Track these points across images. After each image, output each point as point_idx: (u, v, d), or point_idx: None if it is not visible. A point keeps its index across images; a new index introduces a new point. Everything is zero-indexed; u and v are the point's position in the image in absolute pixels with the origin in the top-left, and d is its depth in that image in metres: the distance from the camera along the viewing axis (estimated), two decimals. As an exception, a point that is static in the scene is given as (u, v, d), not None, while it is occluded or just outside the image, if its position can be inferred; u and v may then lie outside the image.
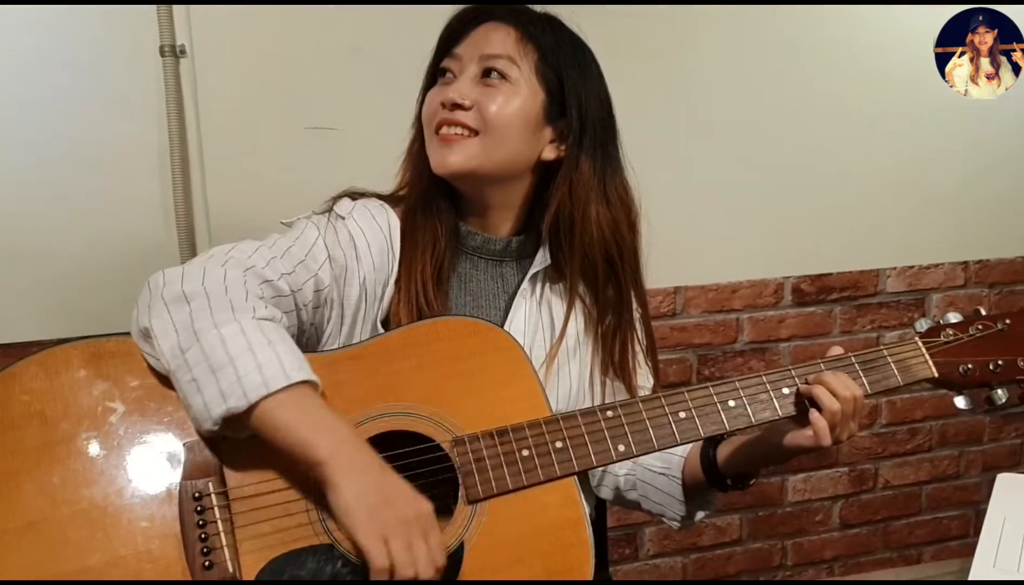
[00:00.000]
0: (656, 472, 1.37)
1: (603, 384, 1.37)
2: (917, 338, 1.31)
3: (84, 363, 1.05)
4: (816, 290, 2.58)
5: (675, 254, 2.38)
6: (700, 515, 1.38)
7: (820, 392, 1.19)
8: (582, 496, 1.14)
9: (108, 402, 1.04)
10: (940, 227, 2.66)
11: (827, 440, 1.18)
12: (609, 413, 1.17)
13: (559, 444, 1.13)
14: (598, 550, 1.13)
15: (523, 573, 1.09)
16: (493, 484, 1.10)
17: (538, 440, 1.13)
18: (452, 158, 1.24)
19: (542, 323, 1.34)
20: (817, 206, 2.53)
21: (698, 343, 2.50)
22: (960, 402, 1.31)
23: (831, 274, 2.59)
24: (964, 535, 2.87)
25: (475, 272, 1.33)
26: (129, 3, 1.91)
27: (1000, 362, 1.28)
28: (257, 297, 1.10)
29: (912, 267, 2.67)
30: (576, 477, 1.14)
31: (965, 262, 2.71)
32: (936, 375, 1.29)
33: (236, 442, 1.04)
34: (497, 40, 1.27)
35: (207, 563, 1.00)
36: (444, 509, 1.10)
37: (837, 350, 1.27)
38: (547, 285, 1.36)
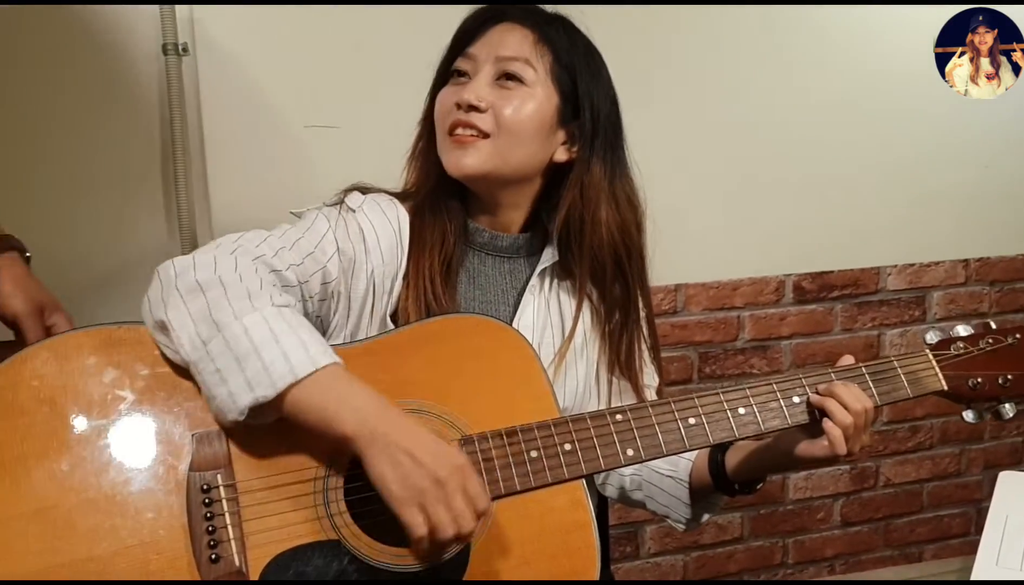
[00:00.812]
0: (663, 474, 1.37)
1: (609, 382, 1.37)
2: (927, 350, 1.30)
3: (95, 350, 1.04)
4: (817, 288, 2.59)
5: (676, 251, 2.37)
6: (705, 517, 1.38)
7: (832, 405, 1.18)
8: (590, 499, 1.13)
9: (118, 390, 1.03)
10: (941, 225, 2.66)
11: (843, 450, 1.18)
12: (619, 416, 1.16)
13: (568, 446, 1.13)
14: (601, 549, 1.12)
15: (528, 575, 1.09)
16: (501, 485, 1.10)
17: (547, 442, 1.12)
18: (466, 161, 1.24)
19: (551, 320, 1.34)
20: (818, 204, 2.53)
21: (699, 341, 2.51)
22: (968, 416, 1.32)
23: (832, 272, 2.60)
24: (965, 533, 2.87)
25: (483, 268, 1.33)
26: (132, 3, 1.91)
27: (1010, 377, 1.28)
28: (271, 284, 1.10)
29: (913, 265, 2.67)
30: (584, 479, 1.14)
31: (966, 260, 2.72)
32: (946, 388, 1.28)
33: (246, 435, 1.04)
34: (514, 42, 1.27)
35: (213, 556, 0.99)
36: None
37: (848, 359, 1.27)
38: (555, 281, 1.36)
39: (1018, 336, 1.31)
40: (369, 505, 1.09)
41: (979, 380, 1.29)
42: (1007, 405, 1.30)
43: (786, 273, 2.55)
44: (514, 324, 1.30)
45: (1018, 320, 2.74)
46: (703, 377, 2.52)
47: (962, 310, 2.74)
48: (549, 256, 1.34)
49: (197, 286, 1.05)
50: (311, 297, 1.20)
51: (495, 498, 1.09)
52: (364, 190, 1.31)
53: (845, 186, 2.54)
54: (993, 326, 1.33)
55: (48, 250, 1.93)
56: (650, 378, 1.42)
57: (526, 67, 1.26)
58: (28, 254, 1.33)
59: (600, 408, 1.20)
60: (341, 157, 2.05)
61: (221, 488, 1.02)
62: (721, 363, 2.54)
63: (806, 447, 1.22)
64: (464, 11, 1.32)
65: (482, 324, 1.18)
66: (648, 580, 2.59)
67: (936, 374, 1.28)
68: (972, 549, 1.30)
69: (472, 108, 1.24)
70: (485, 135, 1.24)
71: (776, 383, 1.22)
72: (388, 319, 1.25)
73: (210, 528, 1.00)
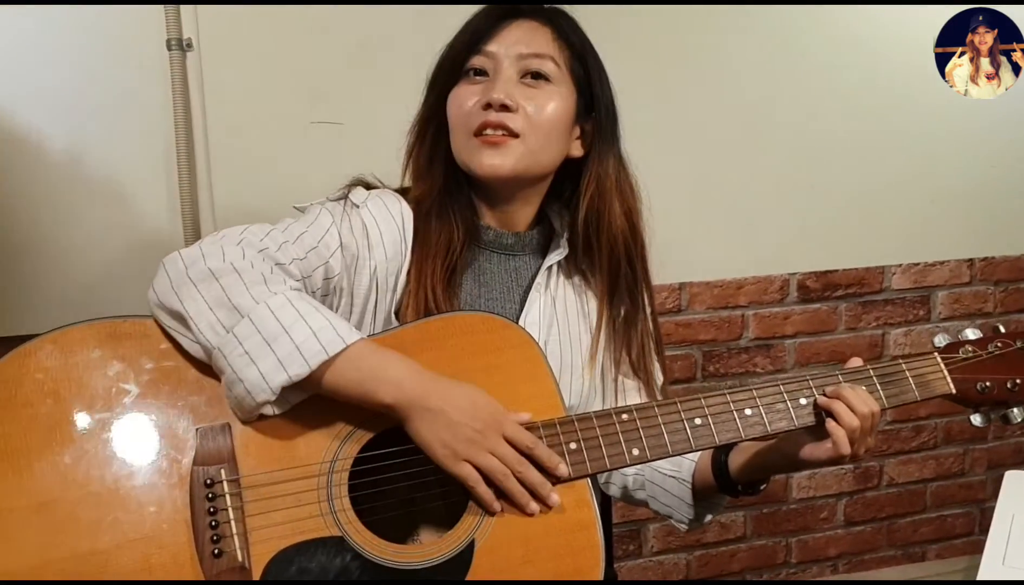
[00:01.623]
0: (666, 474, 1.36)
1: (615, 381, 1.37)
2: (936, 354, 1.30)
3: (99, 343, 1.04)
4: (821, 287, 2.58)
5: (680, 250, 2.38)
6: (708, 518, 1.38)
7: (839, 407, 1.17)
8: (594, 499, 1.13)
9: (122, 383, 1.03)
10: (945, 224, 2.66)
11: (847, 452, 1.17)
12: (624, 416, 1.16)
13: (573, 446, 1.12)
14: (604, 548, 1.12)
15: (532, 574, 1.08)
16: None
17: (552, 441, 1.11)
18: (500, 161, 1.23)
19: (556, 317, 1.34)
20: (823, 203, 2.53)
21: (703, 339, 2.50)
22: (976, 419, 1.31)
23: (836, 271, 2.59)
24: (969, 533, 2.86)
25: (489, 266, 1.32)
26: (136, 2, 1.91)
27: (1018, 381, 1.28)
28: (280, 272, 1.11)
29: (917, 264, 2.66)
30: (589, 478, 1.13)
31: (970, 259, 2.71)
32: (954, 392, 1.27)
33: (250, 430, 1.04)
34: (537, 39, 1.26)
35: (216, 551, 0.99)
36: (457, 506, 1.10)
37: (856, 362, 1.26)
38: (561, 278, 1.36)
39: None
40: (374, 501, 1.09)
41: (987, 384, 1.28)
42: (1015, 409, 1.29)
43: (790, 272, 2.55)
44: (520, 322, 1.29)
45: None
46: (707, 376, 2.52)
47: (967, 310, 2.73)
48: (557, 252, 1.34)
49: (210, 274, 1.05)
50: (314, 292, 1.19)
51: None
52: (368, 186, 1.30)
53: (850, 185, 2.54)
54: (1002, 330, 1.32)
55: (53, 243, 1.95)
56: (656, 375, 1.41)
57: (551, 64, 1.25)
58: None
59: (605, 407, 1.19)
60: (345, 153, 2.05)
61: (225, 483, 1.01)
62: (725, 362, 2.53)
63: (811, 449, 1.21)
64: (470, 8, 1.30)
65: (487, 321, 1.18)
66: (651, 580, 2.59)
67: (944, 377, 1.28)
68: (975, 549, 1.30)
69: (503, 107, 1.22)
70: (515, 135, 1.23)
71: (783, 384, 1.21)
72: (393, 316, 1.24)
73: (213, 523, 1.00)
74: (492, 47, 1.26)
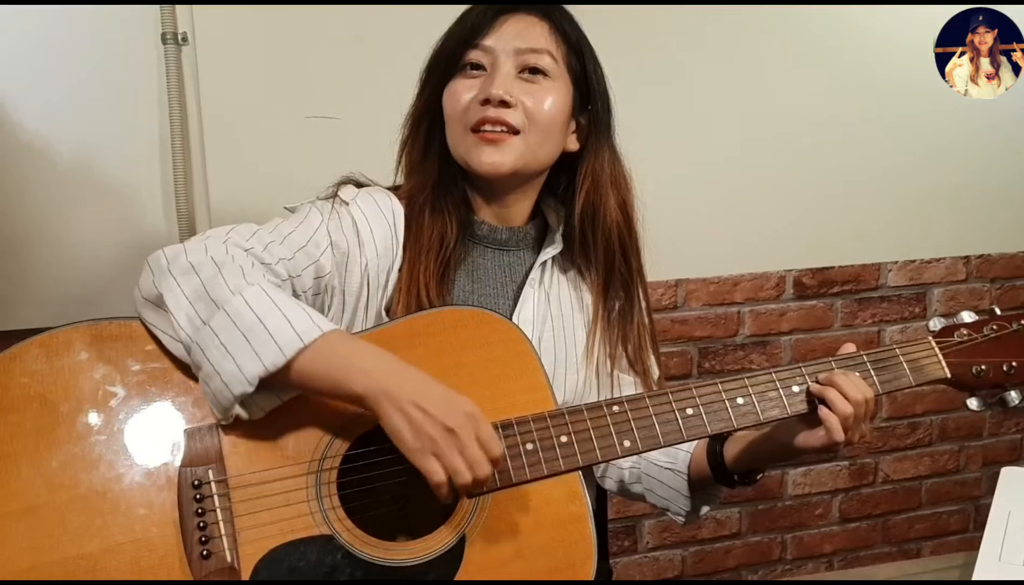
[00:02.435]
0: (662, 467, 1.36)
1: (610, 376, 1.36)
2: (931, 338, 1.29)
3: (86, 346, 1.04)
4: (818, 284, 2.58)
5: (676, 247, 2.38)
6: (705, 510, 1.38)
7: (832, 394, 1.17)
8: (586, 492, 1.13)
9: (109, 386, 1.03)
10: (942, 222, 2.66)
11: (840, 439, 1.16)
12: (615, 408, 1.15)
13: (564, 439, 1.12)
14: (598, 542, 1.12)
15: (523, 568, 1.08)
16: (496, 477, 1.09)
17: (543, 434, 1.11)
18: (500, 158, 1.23)
19: (551, 312, 1.33)
20: (819, 200, 2.52)
21: (699, 336, 2.50)
22: (972, 403, 1.29)
23: (833, 268, 2.59)
24: (963, 530, 2.86)
25: (482, 261, 1.32)
26: (132, 3, 1.91)
27: (1014, 364, 1.26)
28: (262, 270, 1.10)
29: (914, 261, 2.66)
30: (580, 471, 1.13)
31: (967, 257, 2.71)
32: (949, 376, 1.26)
33: (237, 429, 1.04)
34: (535, 34, 1.25)
35: (205, 552, 0.99)
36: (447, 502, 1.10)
37: (850, 348, 1.25)
38: (555, 274, 1.35)
39: (1023, 322, 1.28)
40: (363, 499, 1.09)
41: (983, 367, 1.26)
42: (1012, 392, 1.28)
43: (787, 269, 2.55)
44: (514, 318, 1.29)
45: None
46: (703, 372, 2.52)
47: (963, 307, 2.69)
48: (551, 248, 1.34)
49: (190, 267, 1.05)
50: (304, 292, 1.19)
51: (490, 491, 1.08)
52: (358, 184, 1.30)
53: (847, 182, 2.53)
54: (998, 312, 1.30)
55: (46, 240, 1.94)
56: (652, 369, 1.41)
57: (549, 59, 1.25)
58: None
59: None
60: (341, 148, 2.04)
61: (212, 484, 1.01)
62: (721, 359, 2.53)
63: (804, 437, 1.20)
64: (463, 4, 1.30)
65: (477, 316, 1.17)
66: (648, 580, 2.59)
67: (939, 362, 1.27)
68: (970, 546, 1.30)
69: (502, 103, 1.22)
70: (515, 131, 1.23)
71: (775, 373, 1.21)
72: (383, 313, 1.24)
73: (201, 524, 0.99)
74: (489, 41, 1.25)
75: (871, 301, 2.64)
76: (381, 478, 1.09)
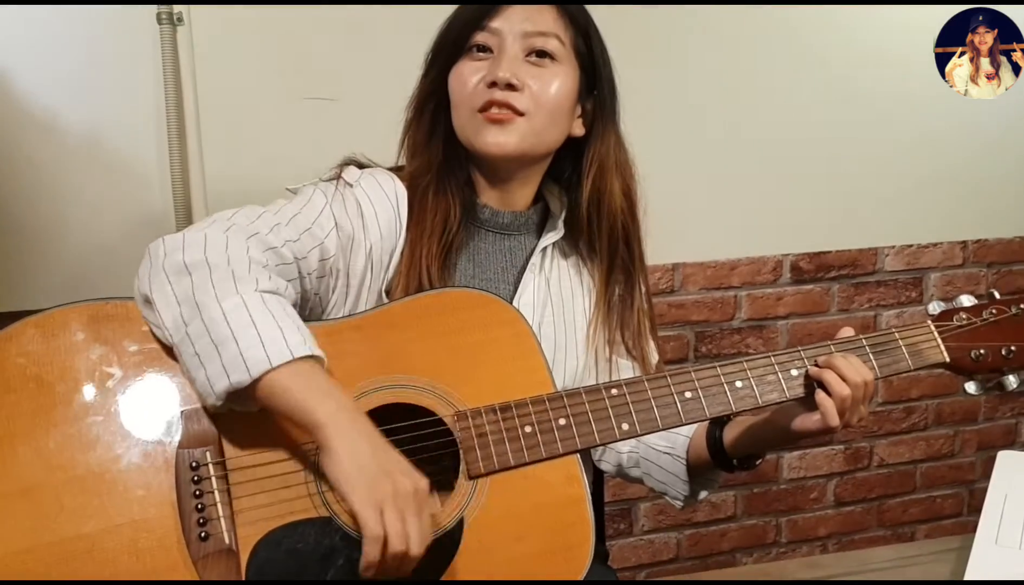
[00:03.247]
0: (660, 451, 1.36)
1: (609, 361, 1.36)
2: (929, 321, 1.28)
3: (82, 326, 1.03)
4: (815, 268, 2.58)
5: (674, 231, 2.37)
6: (703, 494, 1.37)
7: (830, 376, 1.16)
8: (584, 474, 1.12)
9: (106, 366, 1.02)
10: (939, 206, 2.65)
11: (836, 422, 1.16)
12: (614, 391, 1.15)
13: (562, 421, 1.12)
14: (595, 524, 1.11)
15: (522, 550, 1.08)
16: (495, 460, 1.09)
17: (541, 417, 1.11)
18: (505, 139, 1.22)
19: (551, 298, 1.33)
20: (816, 184, 2.52)
21: (696, 320, 2.50)
22: (971, 387, 1.29)
23: (830, 252, 2.59)
24: (958, 514, 2.88)
25: (484, 245, 1.31)
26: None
27: (1013, 348, 1.25)
28: (260, 266, 1.07)
29: (911, 246, 2.66)
30: (578, 454, 1.13)
31: (964, 241, 2.71)
32: (947, 360, 1.26)
33: (236, 412, 1.03)
34: (542, 17, 1.24)
35: (203, 533, 0.98)
36: (445, 483, 1.09)
37: (848, 331, 1.25)
38: (556, 259, 1.35)
39: (1022, 306, 1.28)
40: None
41: (982, 351, 1.26)
42: (1011, 377, 1.27)
43: (784, 253, 2.55)
44: (514, 302, 1.28)
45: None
46: (699, 356, 2.52)
47: (959, 292, 2.70)
48: (553, 233, 1.33)
49: (184, 267, 1.03)
50: (309, 274, 1.17)
51: (489, 473, 1.08)
52: (360, 165, 1.29)
53: (844, 166, 2.53)
54: (997, 296, 1.30)
55: (40, 222, 1.93)
56: (651, 355, 1.41)
57: (556, 43, 1.24)
58: None
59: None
60: (338, 130, 2.03)
61: (210, 465, 1.01)
62: (717, 342, 2.53)
63: (802, 420, 1.20)
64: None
65: (478, 298, 1.17)
66: (650, 581, 2.60)
67: (938, 346, 1.26)
68: (964, 529, 1.30)
69: (509, 86, 1.21)
70: (520, 114, 1.22)
71: (774, 356, 1.21)
72: (383, 294, 1.23)
73: (199, 506, 0.99)
74: (497, 23, 1.24)
75: (868, 285, 2.64)
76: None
